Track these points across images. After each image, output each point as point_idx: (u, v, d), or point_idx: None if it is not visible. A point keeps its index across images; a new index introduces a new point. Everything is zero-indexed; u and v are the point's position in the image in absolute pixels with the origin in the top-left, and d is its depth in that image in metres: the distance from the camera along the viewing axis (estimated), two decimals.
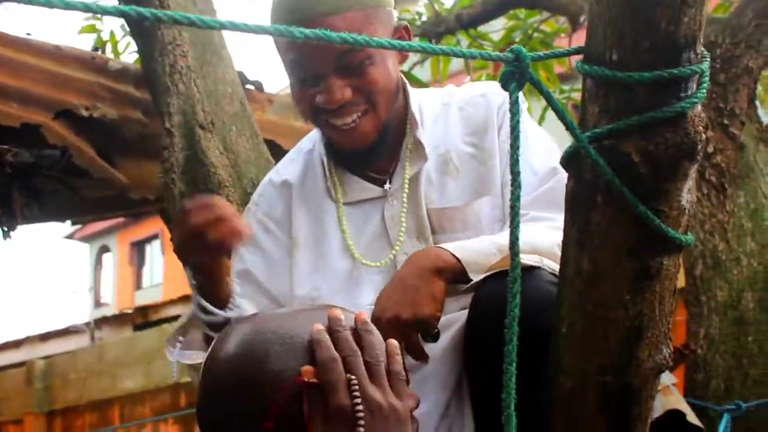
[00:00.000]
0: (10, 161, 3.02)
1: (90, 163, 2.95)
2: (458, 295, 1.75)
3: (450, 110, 1.97)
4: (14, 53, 2.83)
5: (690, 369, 2.94)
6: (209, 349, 1.36)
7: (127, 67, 3.08)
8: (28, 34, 2.91)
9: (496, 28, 5.47)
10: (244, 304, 1.78)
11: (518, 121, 1.22)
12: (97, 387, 8.67)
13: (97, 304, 25.12)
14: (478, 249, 1.73)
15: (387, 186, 1.92)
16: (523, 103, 1.97)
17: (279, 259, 1.96)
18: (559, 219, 1.75)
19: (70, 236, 25.14)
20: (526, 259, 1.61)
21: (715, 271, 2.93)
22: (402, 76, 1.96)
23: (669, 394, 2.29)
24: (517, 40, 5.10)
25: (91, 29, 5.32)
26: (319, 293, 1.90)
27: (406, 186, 1.90)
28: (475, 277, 1.68)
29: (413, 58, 5.36)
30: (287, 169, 2.04)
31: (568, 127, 1.29)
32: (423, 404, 1.42)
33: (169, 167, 2.60)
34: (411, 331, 1.65)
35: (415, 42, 1.52)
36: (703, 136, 1.29)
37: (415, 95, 1.97)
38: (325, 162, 1.95)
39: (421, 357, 1.70)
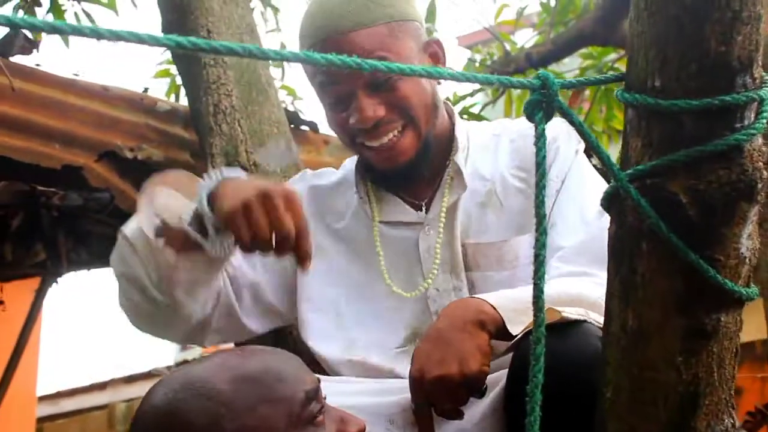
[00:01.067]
0: (57, 204, 2.97)
1: (134, 207, 2.86)
2: (500, 356, 1.61)
3: (500, 141, 1.89)
4: (61, 94, 2.77)
5: None
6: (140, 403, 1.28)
7: (177, 108, 3.00)
8: (76, 74, 2.86)
9: (572, 67, 5.29)
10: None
11: (543, 157, 1.10)
12: None
13: (184, 346, 25.43)
14: (515, 298, 1.59)
15: (424, 213, 1.83)
16: (579, 144, 1.85)
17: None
18: (601, 275, 1.60)
19: None
20: (569, 312, 1.49)
21: None
22: (447, 102, 1.90)
23: None
24: None
25: (165, 74, 5.30)
26: (348, 320, 1.83)
27: (443, 216, 1.80)
28: (514, 330, 1.53)
29: (484, 98, 5.21)
30: (321, 177, 1.97)
31: (605, 163, 1.13)
32: None
33: None
34: (460, 390, 1.52)
35: (428, 66, 1.39)
36: (764, 173, 1.12)
37: (464, 124, 1.90)
38: (362, 180, 1.87)
39: (459, 416, 1.56)
